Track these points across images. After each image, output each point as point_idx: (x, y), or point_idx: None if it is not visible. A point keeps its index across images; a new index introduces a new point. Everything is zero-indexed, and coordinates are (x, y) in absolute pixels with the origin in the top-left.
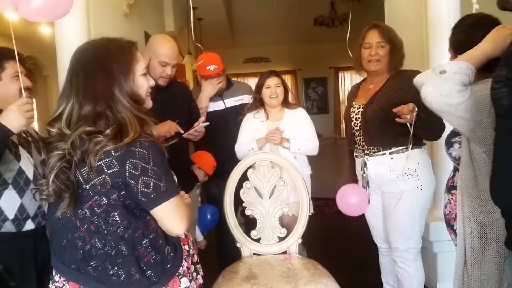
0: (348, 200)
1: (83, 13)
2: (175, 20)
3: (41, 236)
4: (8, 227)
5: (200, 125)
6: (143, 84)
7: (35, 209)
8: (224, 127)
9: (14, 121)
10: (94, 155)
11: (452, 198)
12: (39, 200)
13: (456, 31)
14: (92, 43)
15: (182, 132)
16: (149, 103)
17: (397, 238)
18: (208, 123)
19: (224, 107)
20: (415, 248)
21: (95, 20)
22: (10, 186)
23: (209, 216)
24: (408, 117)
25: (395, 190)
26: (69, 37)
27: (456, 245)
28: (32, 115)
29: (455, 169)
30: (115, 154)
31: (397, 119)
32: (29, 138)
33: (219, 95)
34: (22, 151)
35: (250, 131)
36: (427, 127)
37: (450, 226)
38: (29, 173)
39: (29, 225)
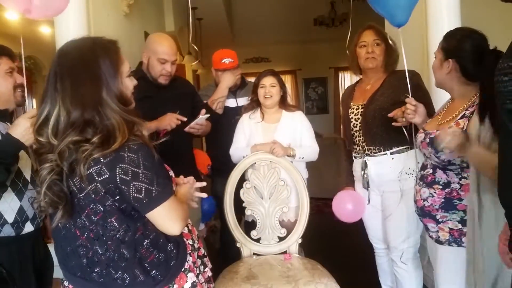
0: (344, 206)
1: (83, 13)
2: (175, 20)
3: (39, 237)
4: (7, 231)
5: (201, 117)
6: (129, 86)
7: (34, 210)
8: (234, 125)
9: (26, 135)
10: (83, 163)
11: (435, 192)
12: (37, 211)
13: (449, 39)
14: (76, 45)
15: (185, 120)
16: (132, 104)
17: (397, 237)
18: (209, 115)
19: (236, 105)
20: (414, 247)
21: (95, 20)
22: (9, 188)
23: (206, 206)
24: (404, 120)
25: (395, 189)
26: (69, 37)
27: (436, 231)
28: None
29: (435, 167)
30: (104, 161)
31: (393, 124)
32: None
33: (232, 93)
34: (21, 151)
35: (245, 133)
36: None
37: (430, 216)
38: (27, 174)
39: (28, 228)
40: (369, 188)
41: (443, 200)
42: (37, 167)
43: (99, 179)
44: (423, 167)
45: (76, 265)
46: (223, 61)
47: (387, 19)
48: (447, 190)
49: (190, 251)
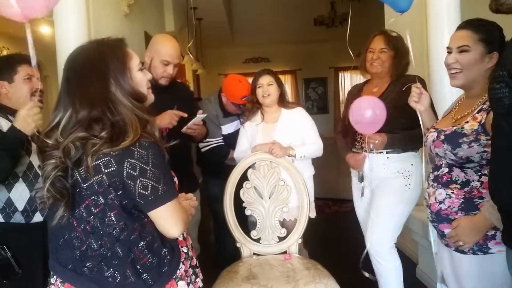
0: (364, 112)
1: (83, 13)
2: (175, 20)
3: None
4: (18, 218)
5: (198, 117)
6: (142, 80)
7: (36, 203)
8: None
9: (25, 125)
10: (91, 155)
11: (452, 193)
12: (39, 204)
13: (487, 30)
14: (82, 49)
15: (186, 115)
16: (151, 97)
17: (373, 227)
18: (206, 115)
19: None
20: (389, 242)
21: (95, 20)
22: (20, 179)
23: None
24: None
25: (385, 185)
26: (69, 37)
27: None
28: (40, 117)
29: (450, 166)
30: (114, 154)
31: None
32: (38, 134)
33: (236, 116)
34: (34, 146)
35: (247, 136)
36: (408, 143)
37: (448, 220)
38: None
39: (38, 218)
40: (363, 182)
41: (462, 200)
42: (41, 164)
43: (106, 171)
44: (436, 168)
45: (68, 257)
46: (244, 98)
47: (390, 6)
48: (466, 189)
49: (183, 259)
